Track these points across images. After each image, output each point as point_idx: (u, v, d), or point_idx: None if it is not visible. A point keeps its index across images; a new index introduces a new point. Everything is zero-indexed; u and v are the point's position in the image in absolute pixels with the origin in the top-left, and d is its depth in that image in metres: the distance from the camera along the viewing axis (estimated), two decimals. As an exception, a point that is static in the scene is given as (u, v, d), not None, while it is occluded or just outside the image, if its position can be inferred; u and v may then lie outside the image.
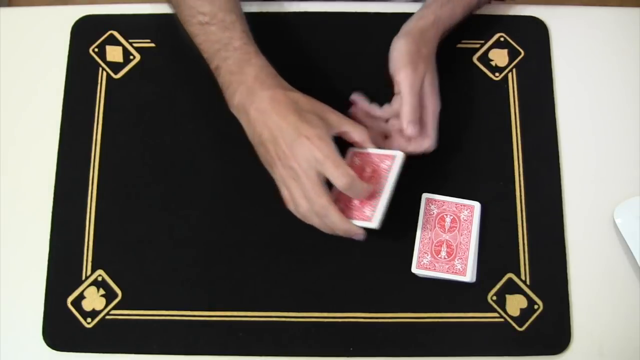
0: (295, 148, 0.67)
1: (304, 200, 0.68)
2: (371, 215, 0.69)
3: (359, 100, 0.77)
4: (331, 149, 0.66)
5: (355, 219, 0.70)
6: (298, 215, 0.70)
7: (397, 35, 0.76)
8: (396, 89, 0.74)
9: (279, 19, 0.85)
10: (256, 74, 0.71)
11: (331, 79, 0.82)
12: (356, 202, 0.71)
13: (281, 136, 0.67)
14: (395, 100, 0.75)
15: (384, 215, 0.69)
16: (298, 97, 0.70)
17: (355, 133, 0.71)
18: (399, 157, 0.71)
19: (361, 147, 0.72)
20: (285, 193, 0.70)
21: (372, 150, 0.72)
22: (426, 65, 0.74)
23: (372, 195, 0.70)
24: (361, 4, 0.86)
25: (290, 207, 0.70)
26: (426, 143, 0.74)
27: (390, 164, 0.71)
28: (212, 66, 0.74)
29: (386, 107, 0.76)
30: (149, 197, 0.79)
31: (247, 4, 0.86)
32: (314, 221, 0.69)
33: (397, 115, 0.74)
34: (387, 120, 0.76)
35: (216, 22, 0.73)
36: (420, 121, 0.73)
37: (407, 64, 0.72)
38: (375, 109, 0.77)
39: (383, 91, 0.77)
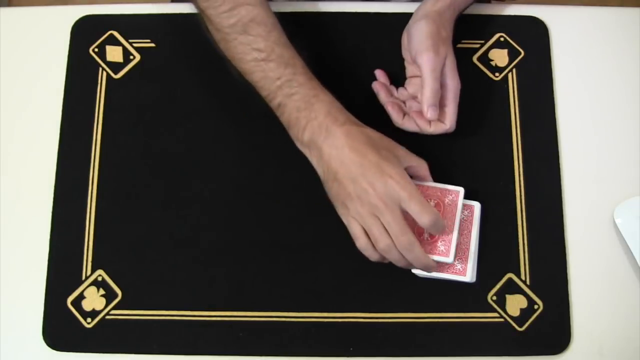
0: (380, 187, 0.67)
1: (385, 236, 0.68)
2: (446, 251, 0.72)
3: (381, 76, 0.79)
4: (414, 188, 0.67)
5: (431, 253, 0.72)
6: (372, 253, 0.69)
7: (415, 17, 0.76)
8: (411, 72, 0.77)
9: (279, 19, 0.85)
10: (327, 110, 0.70)
11: (331, 78, 0.82)
12: (426, 235, 0.73)
13: (362, 174, 0.67)
14: (410, 84, 0.77)
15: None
16: (371, 133, 0.70)
17: (421, 168, 0.72)
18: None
19: (422, 180, 0.73)
20: (356, 230, 0.69)
21: (433, 184, 0.74)
22: (446, 48, 0.75)
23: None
24: (361, 4, 0.86)
25: (362, 243, 0.69)
26: (448, 124, 0.75)
27: (453, 198, 0.73)
28: (274, 103, 0.72)
29: (401, 90, 0.78)
30: (149, 197, 0.79)
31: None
32: (393, 256, 0.69)
33: (414, 98, 0.76)
34: (404, 102, 0.78)
35: (274, 57, 0.71)
36: (441, 102, 0.74)
37: (429, 47, 0.73)
38: (393, 90, 0.79)
39: (383, 91, 0.77)
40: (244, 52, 0.72)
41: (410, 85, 0.78)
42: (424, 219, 0.67)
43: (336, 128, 0.69)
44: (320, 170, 0.71)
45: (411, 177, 0.69)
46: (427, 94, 0.73)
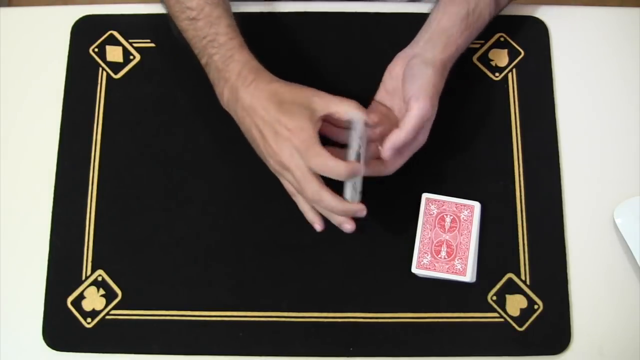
0: (279, 142, 0.67)
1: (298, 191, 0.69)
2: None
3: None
4: (312, 141, 0.65)
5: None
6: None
7: (422, 60, 0.72)
8: (384, 100, 0.74)
9: (279, 19, 0.85)
10: (239, 70, 0.70)
11: (331, 78, 0.82)
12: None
13: (264, 129, 0.68)
14: (374, 110, 0.74)
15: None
16: (278, 87, 0.69)
17: (341, 109, 0.68)
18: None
19: (356, 124, 0.68)
20: (286, 185, 0.71)
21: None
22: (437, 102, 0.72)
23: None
24: (361, 4, 0.86)
25: (294, 196, 0.71)
26: (389, 169, 0.72)
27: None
28: (202, 62, 0.74)
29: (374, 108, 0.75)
30: (149, 197, 0.79)
31: (247, 4, 0.86)
32: (318, 207, 0.69)
33: (376, 124, 0.71)
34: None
35: (203, 16, 0.72)
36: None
37: (429, 97, 0.69)
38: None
39: (383, 91, 0.77)
40: (180, 10, 0.73)
41: (373, 112, 0.74)
42: (318, 168, 0.65)
43: (244, 89, 0.69)
44: (243, 132, 0.72)
45: (336, 124, 0.69)
46: (399, 137, 0.69)
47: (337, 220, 0.70)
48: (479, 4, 0.74)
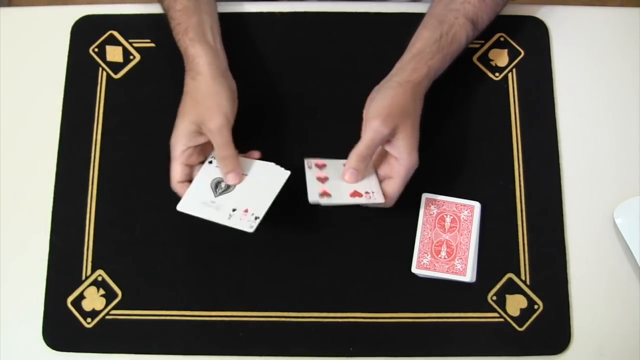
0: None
1: None
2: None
3: None
4: (180, 142, 0.72)
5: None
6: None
7: (389, 82, 0.73)
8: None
9: (279, 19, 0.85)
10: (192, 60, 0.75)
11: (331, 78, 0.82)
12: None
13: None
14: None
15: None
16: (197, 86, 0.74)
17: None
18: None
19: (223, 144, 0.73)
20: None
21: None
22: (409, 121, 0.71)
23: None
24: (361, 4, 0.86)
25: None
26: (384, 199, 0.71)
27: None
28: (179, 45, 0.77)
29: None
30: (149, 197, 0.79)
31: (246, 4, 0.86)
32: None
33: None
34: None
35: (180, 7, 0.76)
36: (387, 174, 0.72)
37: (381, 116, 0.70)
38: None
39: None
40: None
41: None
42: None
43: (187, 80, 0.75)
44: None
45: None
46: (352, 158, 0.70)
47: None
48: (453, 27, 0.75)
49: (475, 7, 0.76)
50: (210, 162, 0.74)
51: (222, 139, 0.71)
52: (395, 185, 0.71)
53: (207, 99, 0.73)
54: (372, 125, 0.70)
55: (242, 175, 0.73)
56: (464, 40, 0.76)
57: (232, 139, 0.72)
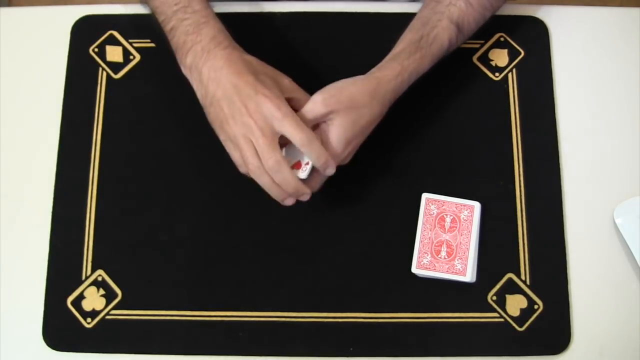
0: (252, 105, 0.67)
1: (255, 157, 0.67)
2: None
3: None
4: (288, 109, 0.67)
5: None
6: (247, 175, 0.69)
7: (361, 76, 0.72)
8: None
9: (278, 19, 0.85)
10: (213, 34, 0.71)
11: (330, 78, 0.82)
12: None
13: (237, 93, 0.68)
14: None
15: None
16: (253, 59, 0.71)
17: (303, 101, 0.70)
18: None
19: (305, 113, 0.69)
20: (235, 154, 0.70)
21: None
22: (348, 112, 0.70)
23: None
24: (361, 4, 0.86)
25: (241, 168, 0.70)
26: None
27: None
28: (167, 28, 0.74)
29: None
30: (149, 197, 0.79)
31: (244, 4, 0.86)
32: (264, 180, 0.68)
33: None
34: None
35: None
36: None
37: (324, 93, 0.70)
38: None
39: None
40: None
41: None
42: (297, 136, 0.66)
43: (218, 51, 0.70)
44: (199, 94, 0.72)
45: (293, 109, 0.68)
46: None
47: (281, 195, 0.69)
48: (435, 29, 0.75)
49: (461, 11, 0.75)
50: None
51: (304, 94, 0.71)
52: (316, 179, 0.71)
53: (256, 61, 0.71)
54: (313, 98, 0.70)
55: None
56: (447, 42, 0.75)
57: None
